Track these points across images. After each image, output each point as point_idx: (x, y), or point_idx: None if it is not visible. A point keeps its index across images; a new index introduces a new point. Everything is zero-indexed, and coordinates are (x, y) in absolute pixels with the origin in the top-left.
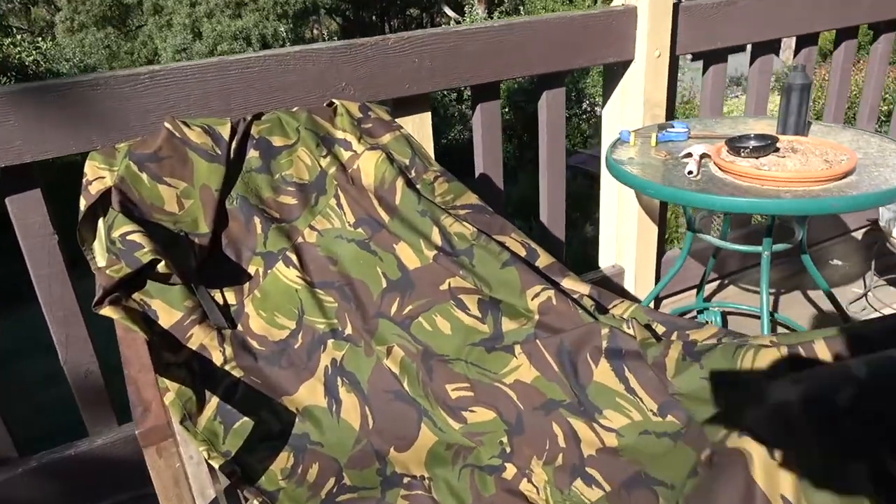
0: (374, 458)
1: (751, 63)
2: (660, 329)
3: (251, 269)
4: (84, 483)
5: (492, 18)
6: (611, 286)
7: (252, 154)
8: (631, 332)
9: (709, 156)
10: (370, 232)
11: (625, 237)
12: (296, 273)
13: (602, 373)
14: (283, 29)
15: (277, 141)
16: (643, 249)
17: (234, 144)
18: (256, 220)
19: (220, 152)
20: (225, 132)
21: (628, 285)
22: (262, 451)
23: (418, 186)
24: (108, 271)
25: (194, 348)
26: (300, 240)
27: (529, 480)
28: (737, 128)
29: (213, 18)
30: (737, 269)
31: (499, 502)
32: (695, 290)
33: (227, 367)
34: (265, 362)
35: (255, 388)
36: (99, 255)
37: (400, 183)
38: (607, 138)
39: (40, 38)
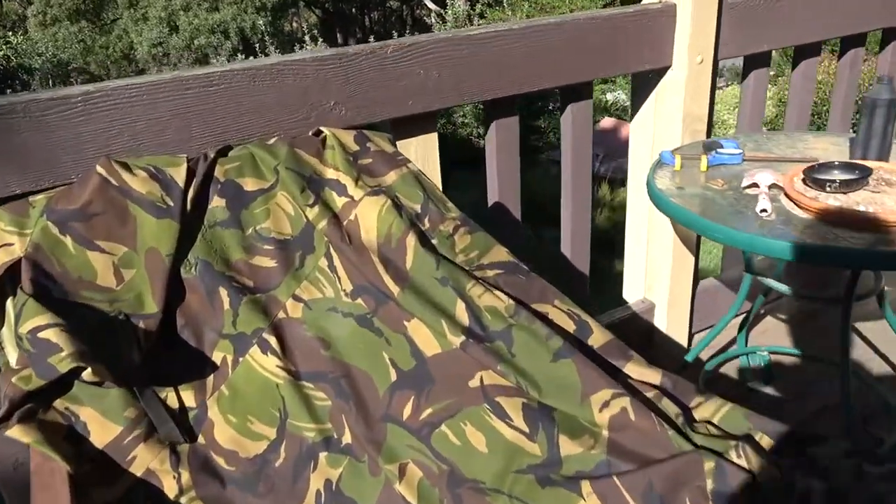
0: None
1: (793, 68)
2: (763, 440)
3: (216, 358)
4: None
5: (473, 11)
6: (639, 324)
7: (216, 203)
8: (744, 462)
9: (779, 187)
10: (373, 304)
11: (657, 269)
12: (276, 362)
13: None
14: (261, 22)
15: (249, 184)
16: (678, 283)
17: (191, 192)
18: (223, 291)
19: (172, 203)
20: (179, 176)
21: (659, 323)
22: None
23: (434, 241)
24: (14, 379)
25: (139, 475)
26: (281, 315)
27: None
28: (796, 147)
29: (190, 12)
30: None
31: None
32: (730, 325)
33: (183, 501)
34: (236, 488)
35: None
36: (9, 346)
37: (411, 240)
38: (637, 157)
39: (11, 33)
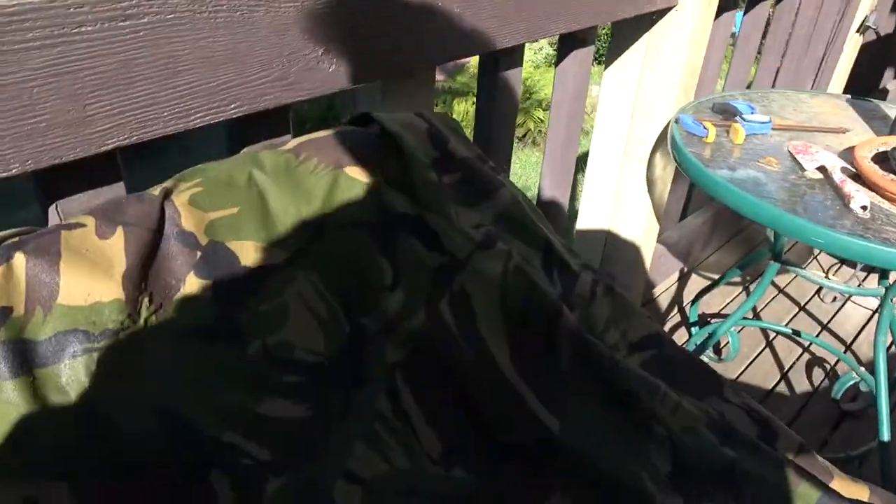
0: None
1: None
2: None
3: None
4: None
5: None
6: None
7: (191, 288)
8: None
9: (851, 174)
10: (485, 471)
11: (622, 237)
12: None
13: None
14: None
15: (251, 254)
16: (639, 259)
17: (123, 281)
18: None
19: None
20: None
21: None
22: None
23: (577, 315)
24: None
25: None
26: None
27: None
28: (802, 109)
29: None
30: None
31: None
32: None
33: None
34: None
35: None
36: None
37: (566, 325)
38: (610, 114)
39: None
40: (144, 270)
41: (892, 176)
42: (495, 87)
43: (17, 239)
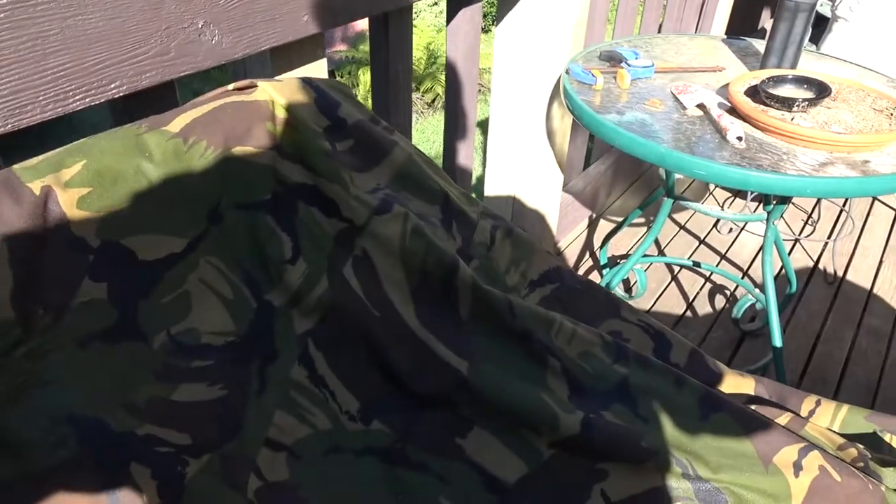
0: None
1: None
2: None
3: None
4: None
5: None
6: None
7: (90, 293)
8: None
9: (727, 108)
10: (401, 424)
11: (528, 188)
12: None
13: None
14: None
15: (149, 248)
16: (547, 209)
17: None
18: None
19: None
20: None
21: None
22: None
23: (474, 264)
24: None
25: None
26: (255, 485)
27: None
28: (681, 52)
29: None
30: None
31: None
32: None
33: None
34: None
35: None
36: None
37: (464, 274)
38: (504, 69)
39: None
40: (35, 282)
41: (762, 107)
42: (387, 49)
43: None
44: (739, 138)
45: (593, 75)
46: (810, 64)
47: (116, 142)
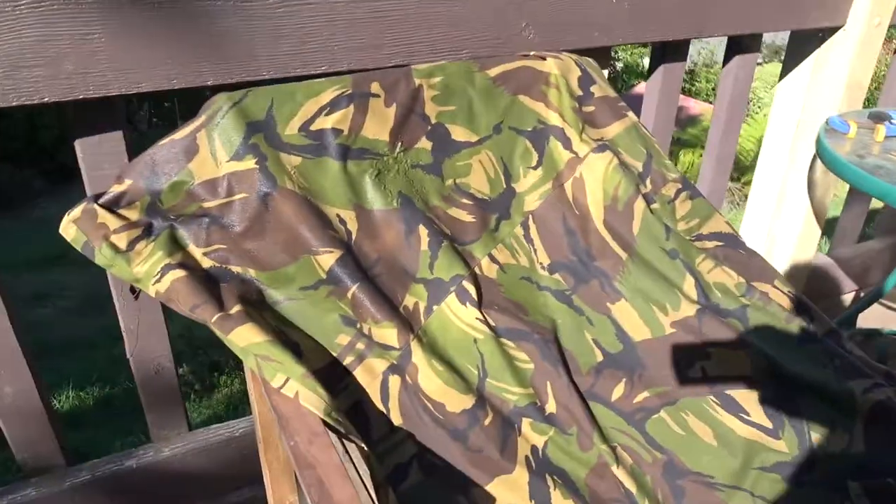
0: None
1: None
2: None
3: (408, 303)
4: (148, 499)
5: None
6: None
7: (422, 145)
8: None
9: None
10: (573, 282)
11: (782, 237)
12: (475, 314)
13: None
14: None
15: (459, 133)
16: (801, 252)
17: (391, 122)
18: (423, 230)
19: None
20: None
21: None
22: None
23: (656, 206)
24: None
25: (348, 404)
26: (477, 270)
27: None
28: None
29: None
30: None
31: None
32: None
33: (395, 437)
34: (448, 436)
35: (437, 481)
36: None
37: (640, 204)
38: (779, 122)
39: None
40: (401, 129)
41: None
42: (661, 73)
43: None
44: None
45: (848, 125)
46: None
47: (462, 70)
